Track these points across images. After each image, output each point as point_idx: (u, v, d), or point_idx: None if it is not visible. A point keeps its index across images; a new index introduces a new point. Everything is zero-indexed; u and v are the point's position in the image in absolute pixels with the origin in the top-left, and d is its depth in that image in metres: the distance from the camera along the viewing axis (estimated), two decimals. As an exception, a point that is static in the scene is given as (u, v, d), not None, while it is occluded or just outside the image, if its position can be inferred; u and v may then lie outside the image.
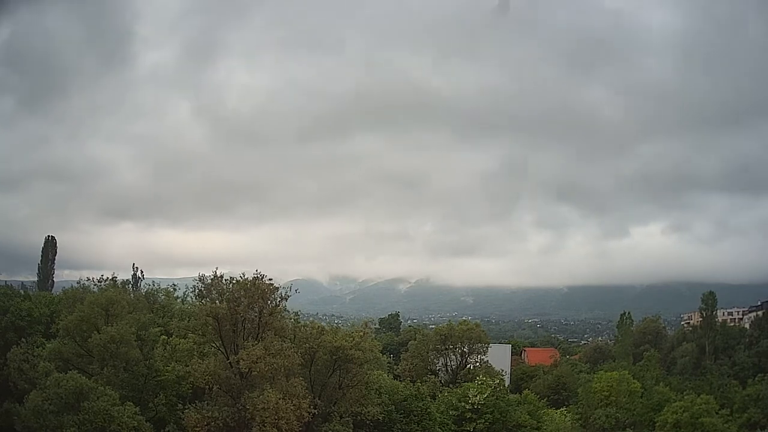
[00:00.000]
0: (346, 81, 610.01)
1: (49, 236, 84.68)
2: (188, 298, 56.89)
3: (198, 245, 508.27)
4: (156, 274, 71.64)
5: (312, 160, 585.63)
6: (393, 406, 49.97)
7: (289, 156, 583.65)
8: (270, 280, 43.84)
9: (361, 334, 48.07)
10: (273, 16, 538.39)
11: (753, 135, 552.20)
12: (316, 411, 43.62)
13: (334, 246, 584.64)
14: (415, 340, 76.23)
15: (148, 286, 64.23)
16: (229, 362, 41.89)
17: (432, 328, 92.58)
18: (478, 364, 68.29)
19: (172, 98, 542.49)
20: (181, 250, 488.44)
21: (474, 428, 52.76)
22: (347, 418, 45.84)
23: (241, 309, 42.14)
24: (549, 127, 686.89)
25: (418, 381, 59.18)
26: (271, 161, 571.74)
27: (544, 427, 55.69)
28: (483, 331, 74.07)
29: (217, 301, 42.76)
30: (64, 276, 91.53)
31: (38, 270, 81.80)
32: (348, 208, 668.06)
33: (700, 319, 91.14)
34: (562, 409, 62.16)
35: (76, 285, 56.94)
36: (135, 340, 44.44)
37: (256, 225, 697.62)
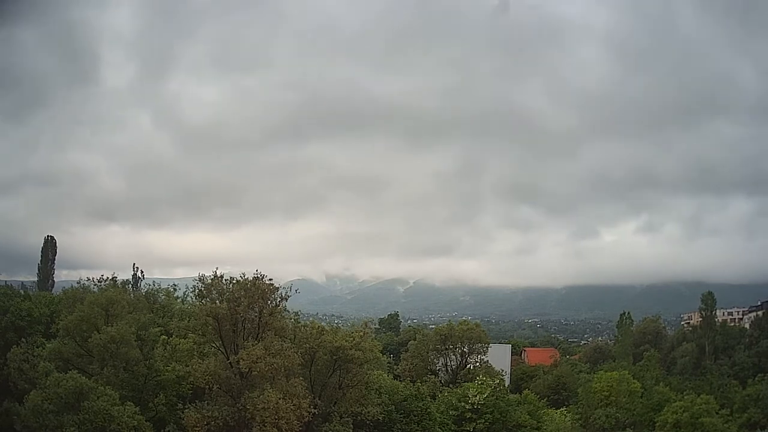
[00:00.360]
0: (295, 92, 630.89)
1: (48, 236, 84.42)
2: (188, 298, 56.90)
3: (187, 246, 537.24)
4: (153, 274, 71.82)
5: (273, 166, 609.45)
6: (393, 406, 49.97)
7: (252, 162, 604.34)
8: (270, 280, 43.89)
9: (361, 334, 48.06)
10: (219, 33, 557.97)
11: (706, 135, 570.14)
12: (316, 411, 43.62)
13: (324, 247, 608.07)
14: (415, 340, 76.24)
15: (148, 286, 64.25)
16: (229, 362, 41.87)
17: (432, 328, 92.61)
18: (478, 364, 68.33)
19: (136, 110, 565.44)
20: (172, 251, 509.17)
21: (474, 428, 52.76)
22: (347, 418, 45.84)
23: (241, 309, 42.08)
24: (502, 129, 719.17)
25: (418, 381, 59.20)
26: (235, 167, 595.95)
27: (544, 427, 55.68)
28: (483, 331, 74.10)
29: (217, 301, 42.74)
30: (62, 276, 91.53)
31: (38, 270, 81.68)
32: (321, 211, 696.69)
33: (700, 319, 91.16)
34: (562, 409, 62.14)
35: (76, 285, 56.94)
36: (135, 340, 44.38)
37: (241, 226, 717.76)
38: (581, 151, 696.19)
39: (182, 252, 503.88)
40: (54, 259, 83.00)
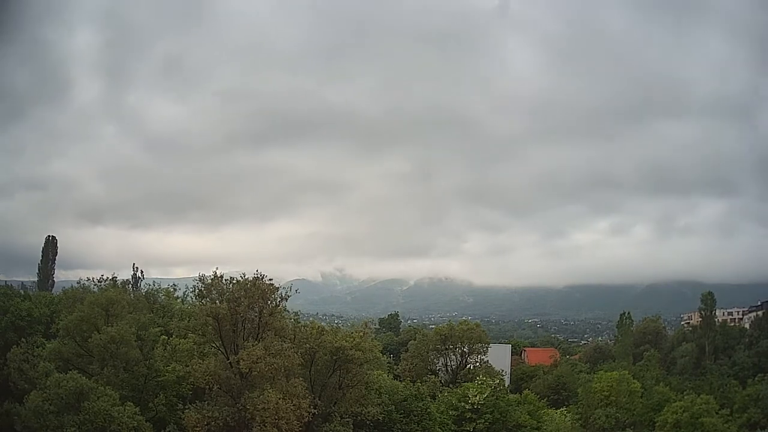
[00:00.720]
0: (243, 103, 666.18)
1: (49, 236, 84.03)
2: (188, 298, 56.89)
3: (174, 247, 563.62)
4: (150, 274, 71.79)
5: (238, 171, 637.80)
6: (393, 406, 49.99)
7: (217, 168, 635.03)
8: (270, 280, 43.89)
9: (361, 334, 48.10)
10: (169, 52, 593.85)
11: (657, 135, 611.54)
12: (316, 411, 43.65)
13: (313, 248, 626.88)
14: (415, 340, 76.26)
15: (148, 286, 64.22)
16: (229, 362, 41.87)
17: (432, 328, 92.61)
18: (478, 364, 68.38)
19: (106, 123, 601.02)
20: (158, 252, 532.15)
21: (474, 428, 52.77)
22: (347, 419, 45.87)
23: (242, 309, 42.09)
24: (452, 133, 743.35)
25: (418, 381, 59.21)
26: (204, 173, 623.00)
27: (544, 427, 55.67)
28: (483, 331, 74.16)
29: (217, 301, 42.74)
30: (61, 276, 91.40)
31: (38, 270, 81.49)
32: (298, 213, 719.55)
33: (700, 319, 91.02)
34: (562, 409, 62.10)
35: (76, 285, 56.94)
36: (135, 340, 44.47)
37: (221, 228, 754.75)
38: (532, 154, 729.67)
39: (167, 253, 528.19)
40: (54, 259, 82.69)
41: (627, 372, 61.31)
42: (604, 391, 57.15)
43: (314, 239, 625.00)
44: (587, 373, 77.17)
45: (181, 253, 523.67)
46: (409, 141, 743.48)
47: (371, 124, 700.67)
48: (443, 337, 70.83)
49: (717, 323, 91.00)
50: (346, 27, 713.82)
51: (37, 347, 47.39)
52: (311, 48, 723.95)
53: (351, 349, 45.63)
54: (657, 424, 51.11)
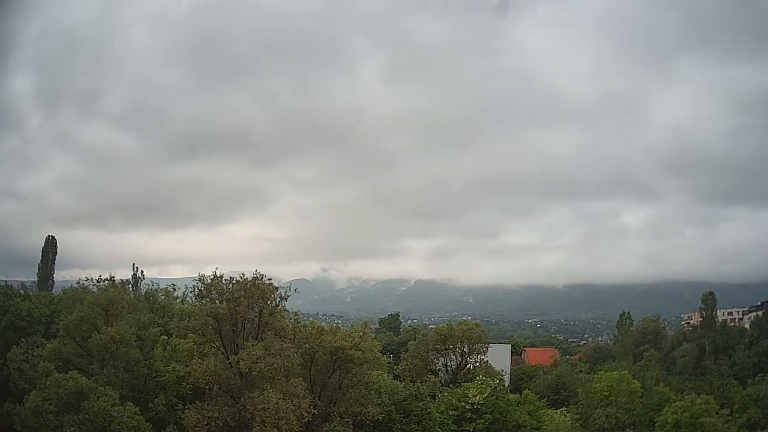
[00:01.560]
0: (155, 123, 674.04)
1: (49, 236, 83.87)
2: (188, 298, 56.89)
3: (175, 247, 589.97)
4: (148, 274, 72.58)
5: (171, 182, 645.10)
6: (393, 406, 50.02)
7: (154, 179, 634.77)
8: (270, 280, 43.91)
9: (361, 334, 48.14)
10: (86, 83, 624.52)
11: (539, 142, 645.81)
12: (316, 411, 43.68)
13: (303, 248, 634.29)
14: (415, 340, 76.27)
15: (147, 286, 64.24)
16: (229, 362, 41.90)
17: (432, 328, 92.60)
18: (478, 364, 68.35)
19: (52, 145, 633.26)
20: (149, 252, 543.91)
21: (474, 428, 52.79)
22: (347, 419, 45.88)
23: (241, 309, 42.13)
24: (335, 142, 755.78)
25: (418, 381, 59.24)
26: (145, 184, 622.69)
27: (544, 427, 55.67)
28: (483, 331, 74.14)
29: (217, 301, 42.77)
30: (61, 276, 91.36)
31: (38, 270, 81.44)
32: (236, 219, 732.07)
33: (700, 319, 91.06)
34: (562, 409, 62.12)
35: (75, 285, 56.94)
36: (135, 341, 44.48)
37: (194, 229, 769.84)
38: (420, 163, 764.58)
39: (153, 253, 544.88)
40: (54, 259, 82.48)
41: (627, 372, 61.32)
42: (604, 391, 57.17)
43: (251, 243, 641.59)
44: (587, 373, 77.20)
45: (156, 253, 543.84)
46: (305, 150, 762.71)
47: (264, 136, 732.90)
48: (443, 337, 70.81)
49: (717, 323, 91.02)
50: (212, 46, 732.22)
51: (37, 347, 47.39)
52: (187, 70, 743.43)
53: (351, 349, 45.66)
54: (657, 424, 51.10)
